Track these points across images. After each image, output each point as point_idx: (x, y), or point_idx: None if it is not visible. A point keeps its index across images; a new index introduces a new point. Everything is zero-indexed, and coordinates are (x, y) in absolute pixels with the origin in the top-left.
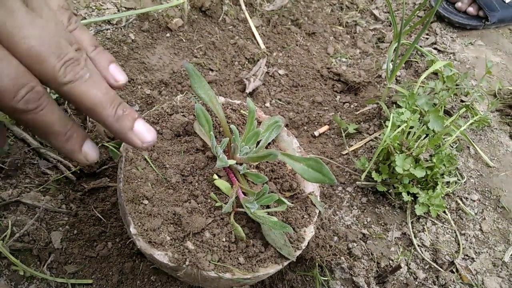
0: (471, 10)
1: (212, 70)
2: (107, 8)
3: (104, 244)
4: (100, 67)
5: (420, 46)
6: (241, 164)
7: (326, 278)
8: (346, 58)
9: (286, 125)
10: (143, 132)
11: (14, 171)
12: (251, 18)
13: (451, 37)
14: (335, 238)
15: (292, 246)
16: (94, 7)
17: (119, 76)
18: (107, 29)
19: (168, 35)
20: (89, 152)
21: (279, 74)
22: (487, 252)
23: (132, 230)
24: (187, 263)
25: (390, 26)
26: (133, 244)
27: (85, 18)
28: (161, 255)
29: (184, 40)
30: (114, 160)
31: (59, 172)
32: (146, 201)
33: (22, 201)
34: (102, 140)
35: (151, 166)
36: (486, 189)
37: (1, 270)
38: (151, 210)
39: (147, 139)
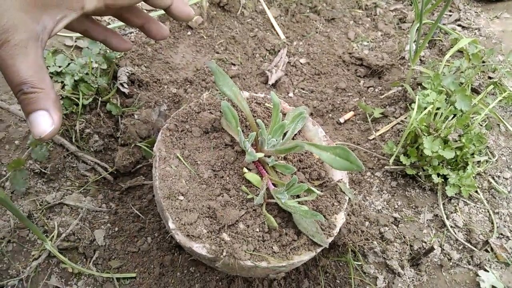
0: None
1: (234, 65)
2: None
3: (144, 240)
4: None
5: (443, 24)
6: (269, 156)
7: (359, 263)
8: (368, 42)
9: (311, 114)
10: (34, 124)
11: (56, 175)
12: (269, 9)
13: (475, 12)
14: (367, 223)
15: (324, 233)
16: None
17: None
18: (131, 33)
19: (189, 33)
20: (34, 123)
21: (301, 63)
22: None
23: (171, 225)
24: (224, 253)
25: (411, 5)
26: (171, 238)
27: (109, 24)
28: (199, 247)
29: (205, 37)
30: (147, 159)
31: (97, 174)
32: (181, 197)
33: (65, 203)
34: (134, 140)
35: (183, 164)
36: None
37: (52, 268)
38: (187, 205)
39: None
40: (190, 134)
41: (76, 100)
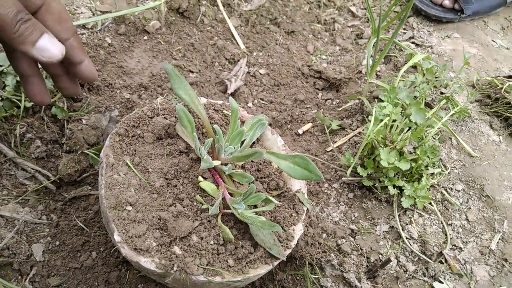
0: (447, 3)
1: (192, 72)
2: (82, 12)
3: (88, 254)
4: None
5: (398, 41)
6: (226, 164)
7: (316, 276)
8: (326, 55)
9: (270, 124)
10: (47, 47)
11: None
12: (229, 18)
13: (428, 31)
14: (324, 235)
15: (282, 245)
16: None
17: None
18: (82, 34)
19: (145, 38)
20: (45, 46)
21: (260, 74)
22: (474, 241)
23: (116, 237)
24: (175, 268)
25: (367, 22)
26: (118, 253)
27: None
28: (147, 261)
29: (163, 43)
30: (94, 167)
31: (38, 182)
32: (129, 207)
33: (0, 214)
34: (81, 147)
35: (133, 171)
36: (470, 178)
37: None
38: (135, 216)
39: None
40: (142, 140)
41: (18, 102)
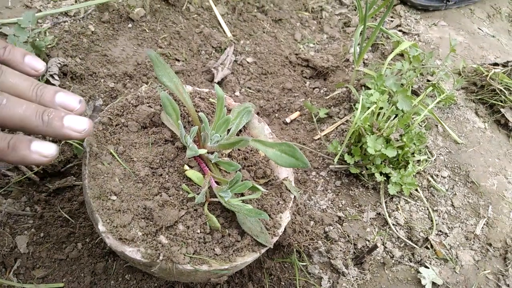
0: None
1: (178, 60)
2: None
3: (73, 246)
4: (15, 62)
5: (386, 29)
6: (212, 153)
7: (304, 263)
8: (314, 44)
9: (257, 113)
10: (75, 123)
11: None
12: (215, 5)
13: (415, 19)
14: (311, 222)
15: (269, 233)
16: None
17: (36, 64)
18: (64, 22)
19: (130, 25)
20: (41, 148)
21: (248, 62)
22: (459, 226)
23: (101, 227)
24: (160, 257)
25: (355, 10)
26: (104, 244)
27: (40, 11)
28: (133, 251)
29: (148, 31)
30: (78, 157)
31: (21, 173)
32: (114, 197)
33: None
34: None
35: (117, 160)
36: (456, 165)
37: None
38: (120, 206)
39: (81, 127)
40: (126, 129)
41: None
